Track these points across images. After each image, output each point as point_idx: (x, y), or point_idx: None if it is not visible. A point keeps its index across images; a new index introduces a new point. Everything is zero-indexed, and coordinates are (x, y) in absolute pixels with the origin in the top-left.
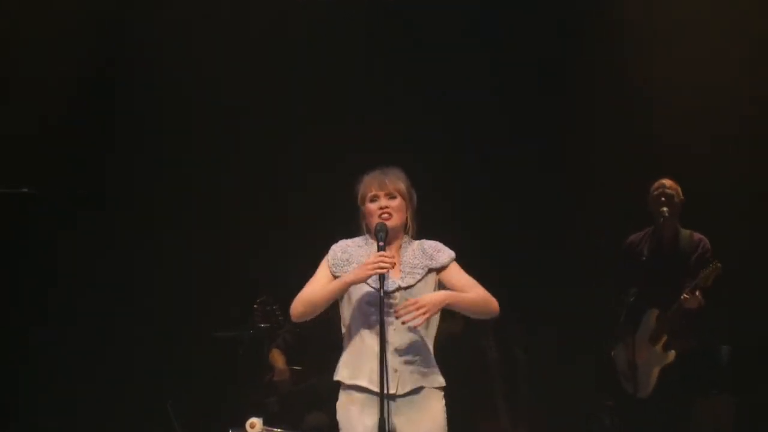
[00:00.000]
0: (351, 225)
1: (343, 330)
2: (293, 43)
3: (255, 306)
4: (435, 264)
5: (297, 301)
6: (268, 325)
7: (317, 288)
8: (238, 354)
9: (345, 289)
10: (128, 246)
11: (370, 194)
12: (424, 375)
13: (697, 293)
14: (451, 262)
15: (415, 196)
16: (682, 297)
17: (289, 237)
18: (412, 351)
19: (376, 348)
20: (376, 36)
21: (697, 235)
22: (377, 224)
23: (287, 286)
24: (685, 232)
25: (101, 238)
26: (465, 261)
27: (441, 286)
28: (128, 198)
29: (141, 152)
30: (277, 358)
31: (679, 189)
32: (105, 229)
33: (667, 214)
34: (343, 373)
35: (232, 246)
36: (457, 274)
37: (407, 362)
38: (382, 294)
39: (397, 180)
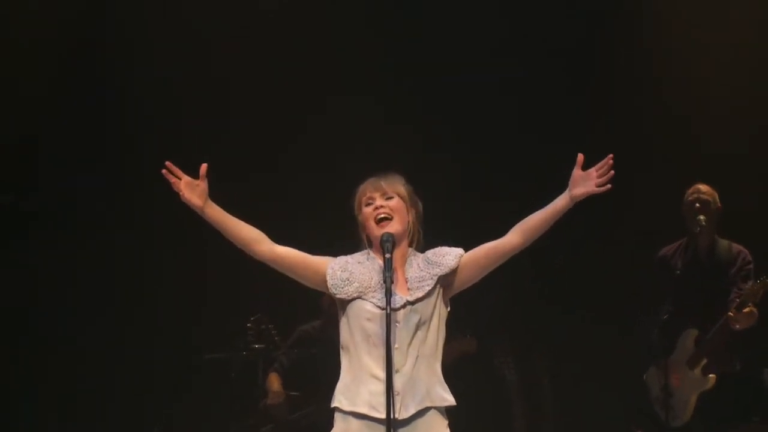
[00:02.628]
0: (349, 236)
1: (342, 352)
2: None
3: (248, 325)
4: (443, 269)
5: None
6: (262, 345)
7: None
8: (230, 377)
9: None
10: (111, 261)
11: (364, 198)
12: (428, 394)
13: (746, 310)
14: (459, 260)
15: (419, 204)
16: (728, 315)
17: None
18: (415, 372)
19: (375, 370)
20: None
21: (736, 246)
22: (383, 235)
23: (283, 304)
24: (723, 243)
25: (85, 254)
26: (483, 283)
27: (452, 285)
28: (112, 212)
29: (127, 165)
30: (274, 383)
31: (716, 195)
32: (89, 244)
33: (703, 223)
34: (341, 399)
35: (223, 259)
36: (473, 253)
37: (410, 384)
38: (389, 311)
39: (394, 182)
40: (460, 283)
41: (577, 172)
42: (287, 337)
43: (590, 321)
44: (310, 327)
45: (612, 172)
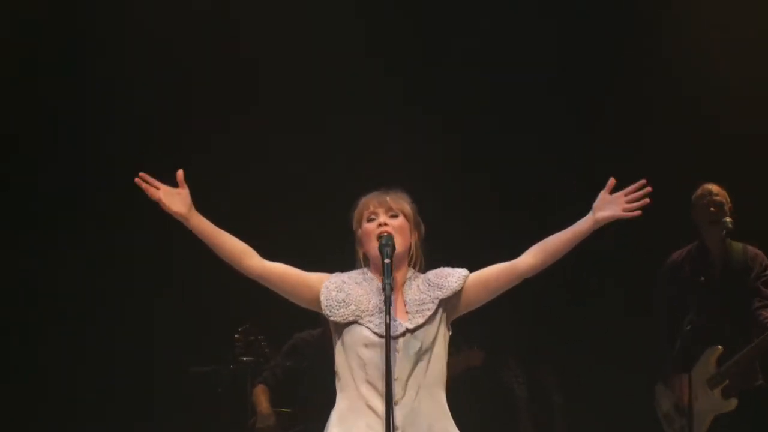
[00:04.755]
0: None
1: (336, 380)
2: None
3: (236, 336)
4: (446, 292)
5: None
6: (251, 358)
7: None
8: (216, 392)
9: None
10: (90, 267)
11: (367, 212)
12: (431, 430)
13: None
14: (464, 282)
15: (422, 226)
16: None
17: (276, 256)
18: (416, 404)
19: (373, 401)
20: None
21: (752, 249)
22: (382, 236)
23: (274, 314)
24: (737, 246)
25: (67, 264)
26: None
27: (456, 308)
28: (97, 218)
29: (112, 176)
30: (261, 398)
31: (727, 194)
32: (72, 253)
33: (730, 226)
34: (335, 429)
35: (209, 266)
36: (481, 274)
37: (411, 418)
38: (388, 321)
39: (399, 199)
40: (465, 306)
41: (604, 194)
42: (279, 349)
43: (604, 335)
44: (308, 335)
45: (647, 200)
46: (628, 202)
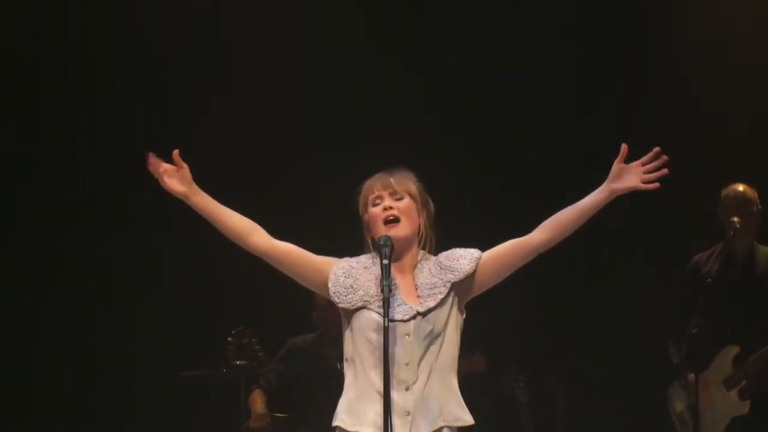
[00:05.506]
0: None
1: (345, 366)
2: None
3: (229, 339)
4: (458, 275)
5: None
6: (245, 362)
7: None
8: (208, 397)
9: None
10: (80, 269)
11: (372, 197)
12: (442, 413)
13: None
14: (477, 264)
15: (431, 204)
16: None
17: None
18: (428, 389)
19: (383, 387)
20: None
21: None
22: (381, 237)
23: (268, 315)
24: (764, 250)
25: (56, 265)
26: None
27: (469, 290)
28: (86, 219)
29: (102, 176)
30: (257, 399)
31: (757, 196)
32: (60, 254)
33: (737, 225)
34: (343, 418)
35: (202, 266)
36: (493, 253)
37: (422, 403)
38: (386, 324)
39: (405, 179)
40: (479, 287)
41: (618, 164)
42: (273, 353)
43: (610, 336)
44: (302, 340)
45: (666, 170)
46: (645, 173)
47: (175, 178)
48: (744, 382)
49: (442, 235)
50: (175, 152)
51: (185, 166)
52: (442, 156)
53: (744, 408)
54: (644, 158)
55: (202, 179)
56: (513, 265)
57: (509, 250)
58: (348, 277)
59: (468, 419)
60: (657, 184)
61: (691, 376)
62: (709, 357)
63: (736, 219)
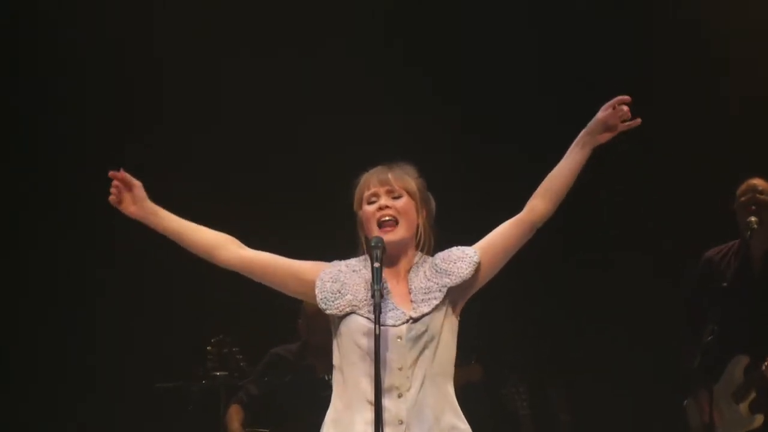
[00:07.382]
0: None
1: (334, 374)
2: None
3: (208, 348)
4: (455, 279)
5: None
6: (225, 372)
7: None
8: (186, 410)
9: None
10: (53, 275)
11: (367, 193)
12: (437, 422)
13: None
14: (475, 269)
15: (431, 202)
16: None
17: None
18: (422, 396)
19: (373, 395)
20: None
21: None
22: (373, 239)
23: (250, 323)
24: None
25: (28, 273)
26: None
27: (468, 290)
28: (63, 227)
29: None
30: (233, 418)
31: None
32: (33, 262)
33: (755, 226)
34: (330, 430)
35: (179, 271)
36: (489, 242)
37: (416, 411)
38: (377, 331)
39: (404, 175)
40: (480, 284)
41: (605, 111)
42: (255, 363)
43: (617, 345)
44: (285, 350)
45: (639, 119)
46: (620, 114)
47: (126, 199)
48: (753, 395)
49: (442, 235)
50: (121, 172)
51: (137, 183)
52: (443, 152)
53: (755, 422)
54: (611, 103)
55: (202, 182)
56: (511, 249)
57: (506, 233)
58: (335, 282)
59: (465, 429)
60: (638, 120)
61: (702, 391)
62: (722, 366)
63: (753, 219)
